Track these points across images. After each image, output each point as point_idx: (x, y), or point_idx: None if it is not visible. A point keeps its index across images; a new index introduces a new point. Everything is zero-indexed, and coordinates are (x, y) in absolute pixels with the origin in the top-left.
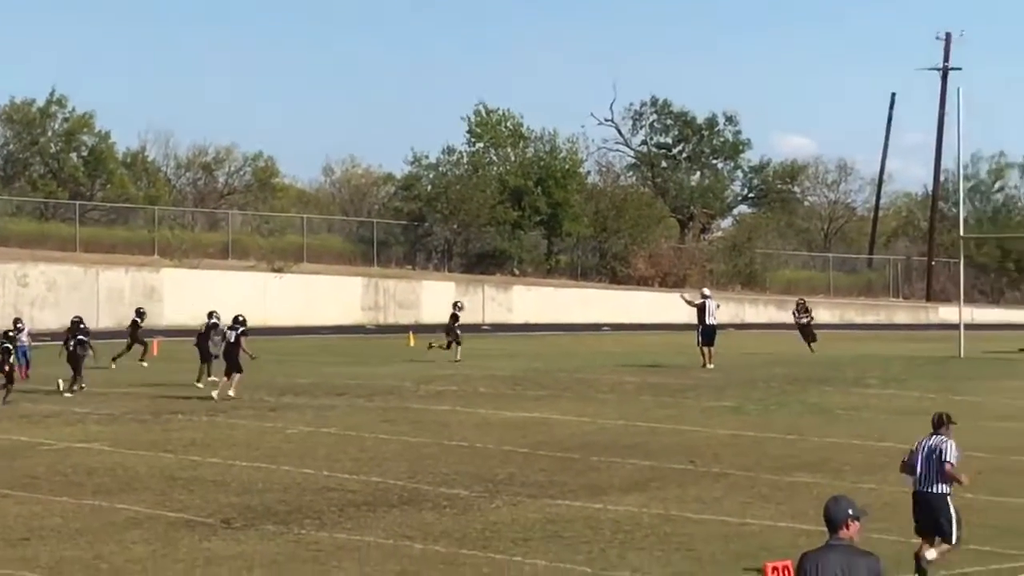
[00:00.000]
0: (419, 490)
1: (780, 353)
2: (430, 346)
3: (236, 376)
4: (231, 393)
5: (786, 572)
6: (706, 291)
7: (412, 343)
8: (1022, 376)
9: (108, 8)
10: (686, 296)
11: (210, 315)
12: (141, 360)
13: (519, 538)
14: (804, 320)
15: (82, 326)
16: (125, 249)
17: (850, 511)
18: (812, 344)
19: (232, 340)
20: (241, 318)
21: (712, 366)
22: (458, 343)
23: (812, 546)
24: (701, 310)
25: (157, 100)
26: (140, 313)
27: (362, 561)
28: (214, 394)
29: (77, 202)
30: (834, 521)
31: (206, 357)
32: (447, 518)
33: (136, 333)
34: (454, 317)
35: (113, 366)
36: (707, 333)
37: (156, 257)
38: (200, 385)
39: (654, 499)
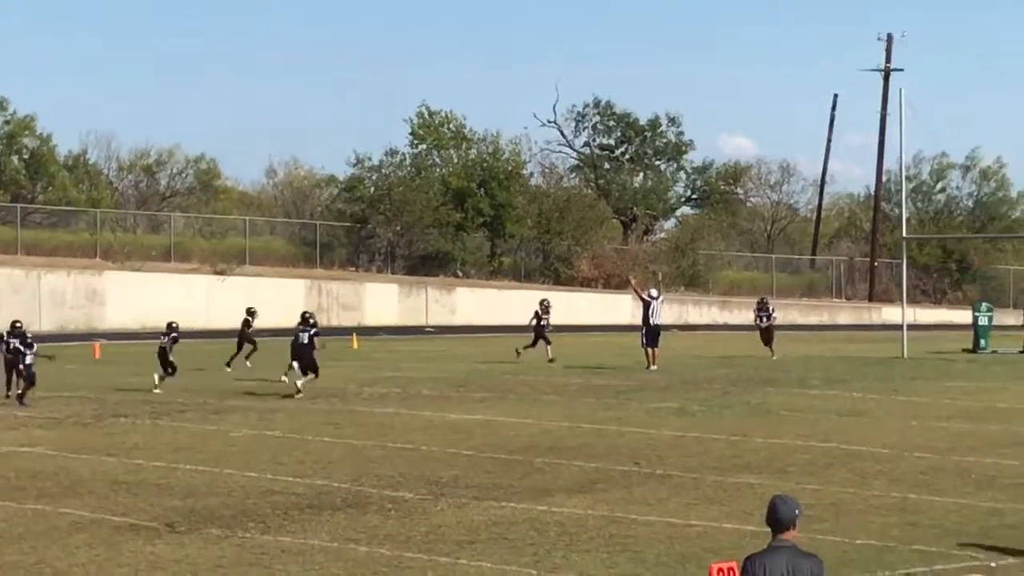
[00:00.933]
0: (364, 493)
1: (723, 354)
2: (518, 352)
3: (311, 375)
4: (299, 385)
5: (731, 573)
6: (654, 292)
7: (356, 345)
8: (964, 377)
9: (50, 10)
10: (634, 282)
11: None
12: (247, 359)
13: (464, 540)
14: (763, 323)
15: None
16: (67, 252)
17: (797, 511)
18: (771, 346)
19: (305, 341)
20: (312, 319)
21: (656, 367)
22: (547, 341)
23: (757, 547)
24: (645, 310)
25: (98, 102)
26: (251, 312)
27: (307, 564)
28: (299, 383)
29: (19, 205)
30: (782, 521)
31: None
32: (392, 521)
33: (246, 332)
34: (537, 315)
35: (228, 370)
36: (650, 334)
37: (98, 260)
38: (285, 380)
39: (599, 501)
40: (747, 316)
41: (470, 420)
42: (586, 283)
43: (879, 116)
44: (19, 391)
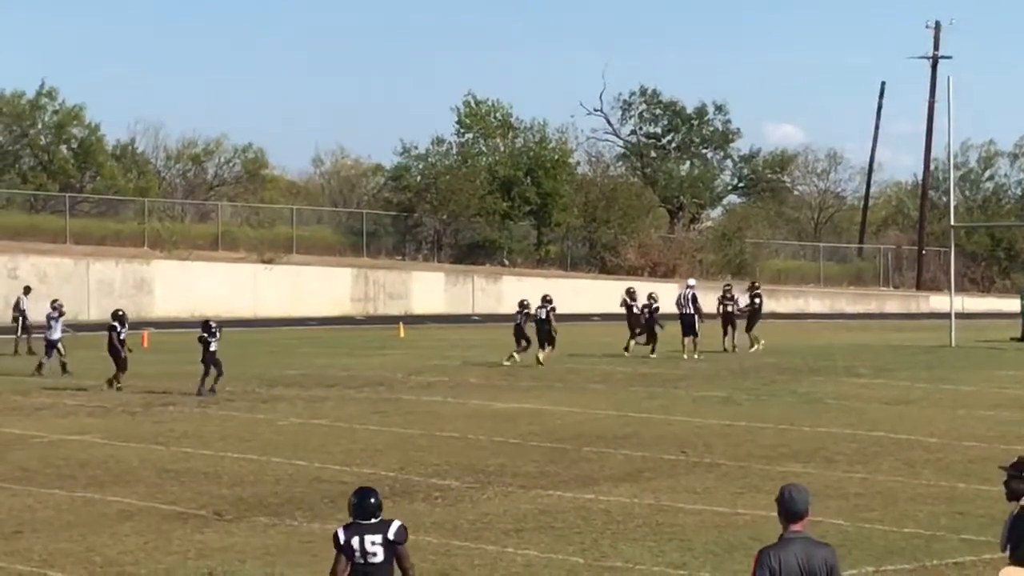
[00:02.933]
0: (410, 481)
1: (770, 343)
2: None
3: (549, 348)
4: (541, 357)
5: None
6: (691, 281)
7: (402, 334)
8: (1012, 365)
9: (97, 0)
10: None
11: (521, 304)
12: (652, 351)
13: (511, 529)
14: (729, 307)
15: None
16: (115, 241)
17: (809, 502)
18: (727, 337)
19: (543, 317)
20: (549, 296)
21: (697, 356)
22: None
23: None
24: (676, 301)
25: (147, 92)
26: (652, 297)
27: None
28: (541, 356)
29: (67, 194)
30: (798, 513)
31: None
32: (439, 509)
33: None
34: (647, 308)
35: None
36: (683, 324)
37: (146, 249)
38: (517, 359)
39: (646, 489)
40: (793, 304)
41: (517, 408)
42: (632, 272)
43: (927, 104)
44: (212, 382)
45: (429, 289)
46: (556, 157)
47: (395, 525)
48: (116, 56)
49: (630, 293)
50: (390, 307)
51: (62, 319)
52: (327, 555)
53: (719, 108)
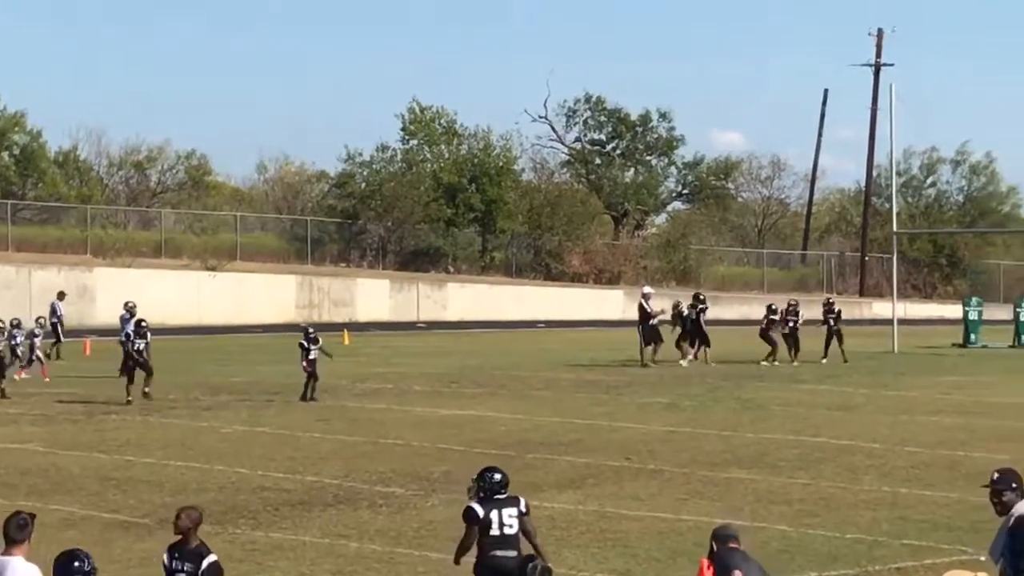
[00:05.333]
0: (355, 489)
1: (715, 350)
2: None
3: (705, 348)
4: (683, 364)
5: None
6: (646, 288)
7: (347, 341)
8: (954, 371)
9: (40, 5)
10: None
11: (645, 296)
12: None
13: (455, 536)
14: (792, 323)
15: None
16: (58, 248)
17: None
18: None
19: (694, 317)
20: (702, 296)
21: (650, 365)
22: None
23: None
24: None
25: (90, 99)
26: (699, 298)
27: (297, 560)
28: (683, 363)
29: (9, 201)
30: (730, 536)
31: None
32: (383, 517)
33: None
34: (697, 314)
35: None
36: (643, 332)
37: (89, 256)
38: (684, 363)
39: (590, 496)
40: (738, 311)
41: (462, 415)
42: (577, 278)
43: (869, 111)
44: (310, 391)
45: (374, 296)
46: (501, 164)
47: (523, 500)
48: (58, 62)
49: (675, 306)
50: (335, 314)
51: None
52: (270, 562)
53: (663, 115)
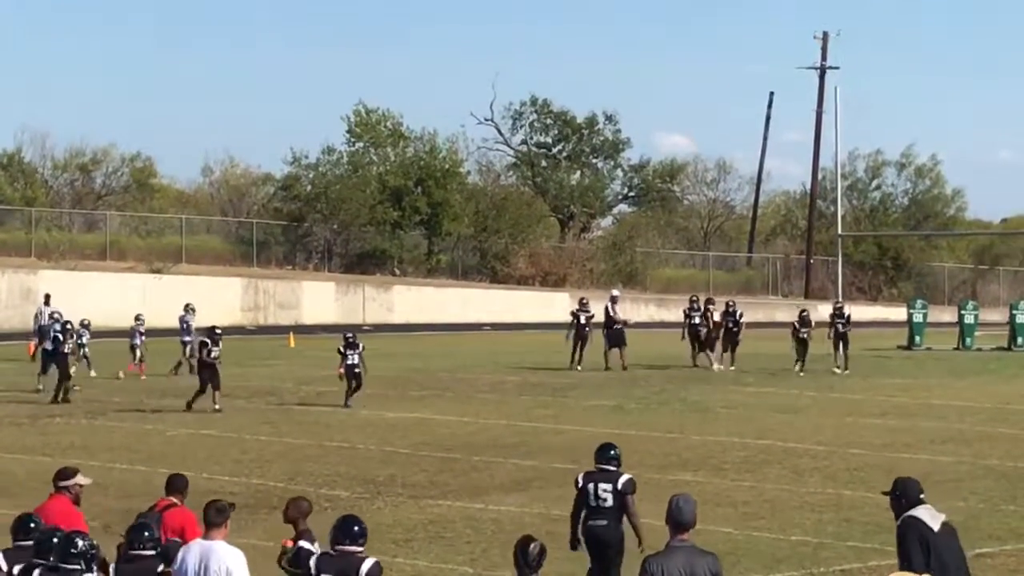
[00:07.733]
0: (300, 492)
1: (660, 351)
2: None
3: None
4: (718, 367)
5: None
6: (614, 292)
7: (292, 344)
8: (899, 373)
9: None
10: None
11: (692, 300)
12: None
13: (401, 539)
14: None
15: None
16: (2, 251)
17: (696, 512)
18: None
19: (730, 326)
20: (734, 303)
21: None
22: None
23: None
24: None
25: (33, 100)
26: (732, 309)
27: None
28: (717, 367)
29: None
30: (685, 523)
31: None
32: (328, 519)
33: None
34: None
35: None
36: (608, 336)
37: (33, 259)
38: (719, 367)
39: (536, 499)
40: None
41: (407, 418)
42: (523, 281)
43: (815, 114)
44: (351, 394)
45: (320, 299)
46: (446, 167)
47: (624, 477)
48: (1, 64)
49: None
50: (280, 317)
51: None
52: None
53: (609, 118)
